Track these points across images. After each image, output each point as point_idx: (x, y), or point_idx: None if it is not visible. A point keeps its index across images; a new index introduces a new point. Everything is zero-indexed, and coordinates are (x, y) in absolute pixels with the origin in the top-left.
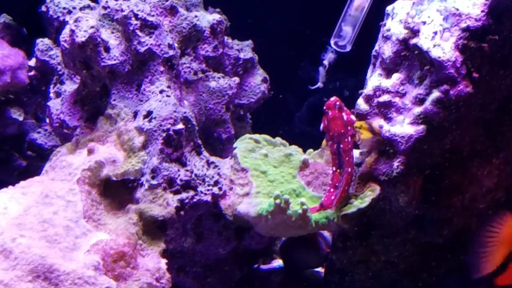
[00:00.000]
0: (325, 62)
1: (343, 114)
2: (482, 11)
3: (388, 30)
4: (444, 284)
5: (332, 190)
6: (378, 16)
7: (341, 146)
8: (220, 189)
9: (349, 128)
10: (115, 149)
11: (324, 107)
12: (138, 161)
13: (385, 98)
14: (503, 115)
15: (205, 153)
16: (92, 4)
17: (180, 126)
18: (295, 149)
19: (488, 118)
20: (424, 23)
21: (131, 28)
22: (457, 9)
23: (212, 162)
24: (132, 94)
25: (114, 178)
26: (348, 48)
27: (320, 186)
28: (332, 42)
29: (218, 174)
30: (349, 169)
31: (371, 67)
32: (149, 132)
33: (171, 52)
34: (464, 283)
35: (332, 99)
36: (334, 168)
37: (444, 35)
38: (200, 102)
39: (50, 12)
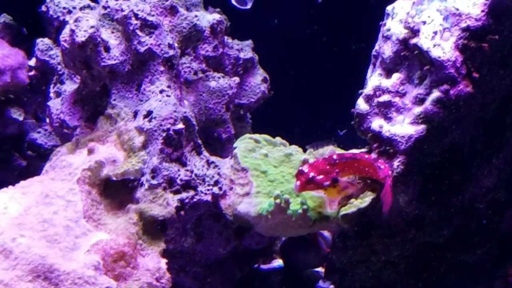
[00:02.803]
0: None
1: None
2: (482, 11)
3: (388, 30)
4: (444, 284)
5: (380, 161)
6: (378, 16)
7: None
8: (220, 189)
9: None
10: (115, 149)
11: (298, 174)
12: (138, 161)
13: (385, 98)
14: (503, 115)
15: (205, 153)
16: (92, 4)
17: (180, 126)
18: (295, 149)
19: (488, 118)
20: (424, 23)
21: (131, 28)
22: (457, 9)
23: (212, 162)
24: (132, 94)
25: (114, 178)
26: (249, 5)
27: None
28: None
29: (218, 174)
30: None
31: (371, 67)
32: (149, 132)
33: (171, 52)
34: (464, 283)
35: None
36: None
37: (444, 35)
38: (200, 102)
39: (50, 12)
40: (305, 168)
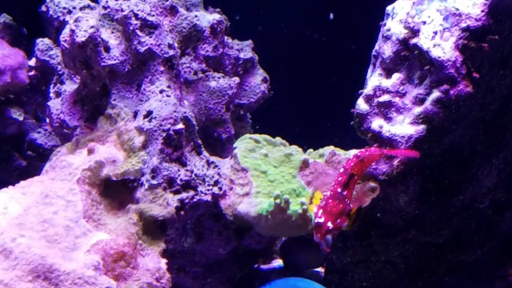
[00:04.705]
0: None
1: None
2: (482, 11)
3: (388, 30)
4: (444, 284)
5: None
6: (378, 16)
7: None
8: (220, 189)
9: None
10: (115, 149)
11: (316, 227)
12: (138, 161)
13: (385, 98)
14: (503, 115)
15: (205, 153)
16: (92, 4)
17: (180, 126)
18: (295, 149)
19: (488, 118)
20: (424, 23)
21: (131, 28)
22: (457, 9)
23: (212, 162)
24: (132, 94)
25: (114, 178)
26: None
27: (321, 186)
28: None
29: (218, 174)
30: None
31: (371, 67)
32: (149, 132)
33: (171, 52)
34: (464, 283)
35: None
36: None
37: (444, 35)
38: (200, 102)
39: (50, 12)
40: (320, 219)
